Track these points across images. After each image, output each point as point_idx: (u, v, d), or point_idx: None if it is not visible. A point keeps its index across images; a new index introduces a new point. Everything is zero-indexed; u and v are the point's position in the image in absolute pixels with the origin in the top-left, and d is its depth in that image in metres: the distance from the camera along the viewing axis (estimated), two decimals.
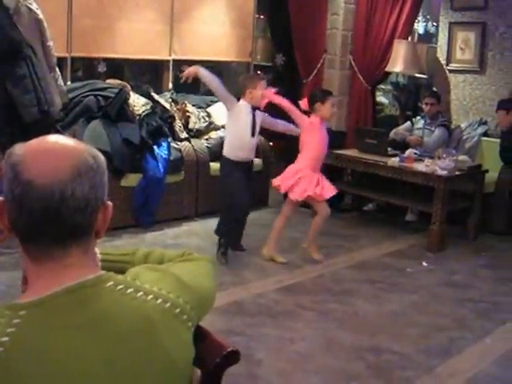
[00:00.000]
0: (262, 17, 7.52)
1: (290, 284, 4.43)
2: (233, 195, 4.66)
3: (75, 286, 1.09)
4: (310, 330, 3.76)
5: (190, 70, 4.65)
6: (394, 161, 5.55)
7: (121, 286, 1.13)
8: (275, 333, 3.67)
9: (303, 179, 4.69)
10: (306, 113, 4.76)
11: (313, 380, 3.18)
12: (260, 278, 4.50)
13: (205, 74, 4.61)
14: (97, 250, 1.37)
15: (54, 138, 1.14)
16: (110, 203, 1.17)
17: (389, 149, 5.82)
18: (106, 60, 6.23)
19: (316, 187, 4.67)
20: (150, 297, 1.14)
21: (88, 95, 5.33)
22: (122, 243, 4.90)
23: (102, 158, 1.16)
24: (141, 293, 1.14)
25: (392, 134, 6.19)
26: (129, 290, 1.13)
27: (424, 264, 5.02)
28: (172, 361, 1.14)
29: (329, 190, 4.75)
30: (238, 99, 4.70)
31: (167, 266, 1.35)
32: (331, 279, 4.58)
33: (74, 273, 1.10)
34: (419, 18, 7.93)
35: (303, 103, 4.75)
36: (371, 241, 5.53)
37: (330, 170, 5.53)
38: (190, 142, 5.84)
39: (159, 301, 1.15)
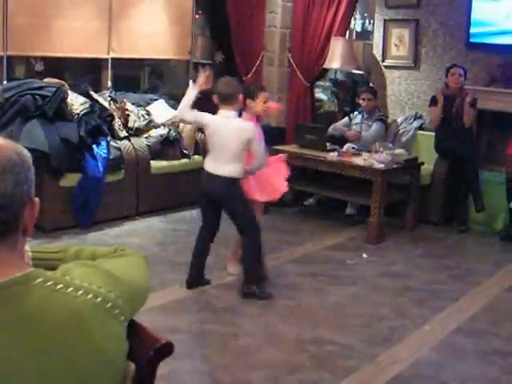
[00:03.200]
0: (200, 15, 7.51)
1: (232, 280, 4.43)
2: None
3: (3, 284, 1.07)
4: (253, 324, 3.79)
5: None
6: (332, 155, 5.64)
7: (50, 283, 1.12)
8: (219, 329, 3.69)
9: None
10: None
11: (257, 374, 3.21)
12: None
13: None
14: (27, 247, 1.35)
15: None
16: (37, 199, 1.16)
17: (328, 144, 5.90)
18: (44, 59, 6.11)
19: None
20: (81, 292, 1.14)
21: (25, 94, 5.21)
22: (64, 244, 4.82)
23: (27, 154, 1.15)
24: (71, 288, 1.14)
25: (331, 129, 6.28)
26: (59, 286, 1.13)
27: (364, 256, 5.12)
28: (104, 355, 1.14)
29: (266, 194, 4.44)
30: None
31: (99, 261, 1.35)
32: (274, 273, 4.60)
33: (1, 271, 1.09)
34: (356, 16, 8.07)
35: None
36: (312, 235, 5.61)
37: None
38: (129, 141, 5.78)
39: (90, 296, 1.15)
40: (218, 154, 4.09)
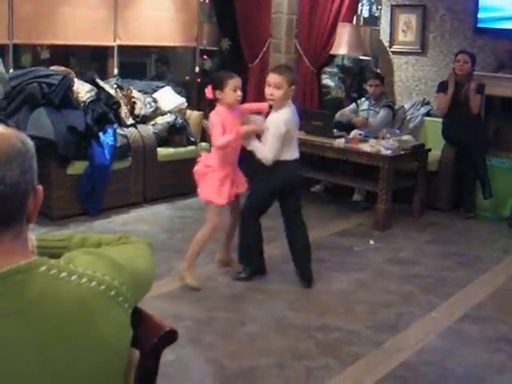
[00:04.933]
0: (206, 1, 7.46)
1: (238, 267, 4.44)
2: None
3: (7, 273, 1.08)
4: (260, 311, 3.80)
5: None
6: (339, 142, 5.62)
7: (54, 271, 1.12)
8: (225, 316, 3.70)
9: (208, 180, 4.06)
10: (213, 101, 4.22)
11: (264, 361, 3.22)
12: (208, 262, 4.49)
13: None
14: (32, 236, 1.36)
15: None
16: (40, 187, 1.16)
17: (334, 130, 5.88)
18: (50, 47, 6.10)
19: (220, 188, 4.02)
20: (84, 280, 1.14)
21: (31, 83, 5.21)
22: (69, 232, 4.84)
23: (30, 142, 1.15)
24: (75, 276, 1.14)
25: (338, 115, 6.24)
26: (62, 274, 1.13)
27: (371, 242, 5.11)
28: (108, 343, 1.15)
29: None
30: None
31: (103, 249, 1.35)
32: (281, 260, 4.61)
33: (6, 259, 1.09)
34: (364, 2, 8.01)
35: (208, 92, 4.05)
36: (319, 221, 5.59)
37: None
38: (136, 128, 5.78)
39: (93, 283, 1.15)
40: (295, 141, 4.14)
